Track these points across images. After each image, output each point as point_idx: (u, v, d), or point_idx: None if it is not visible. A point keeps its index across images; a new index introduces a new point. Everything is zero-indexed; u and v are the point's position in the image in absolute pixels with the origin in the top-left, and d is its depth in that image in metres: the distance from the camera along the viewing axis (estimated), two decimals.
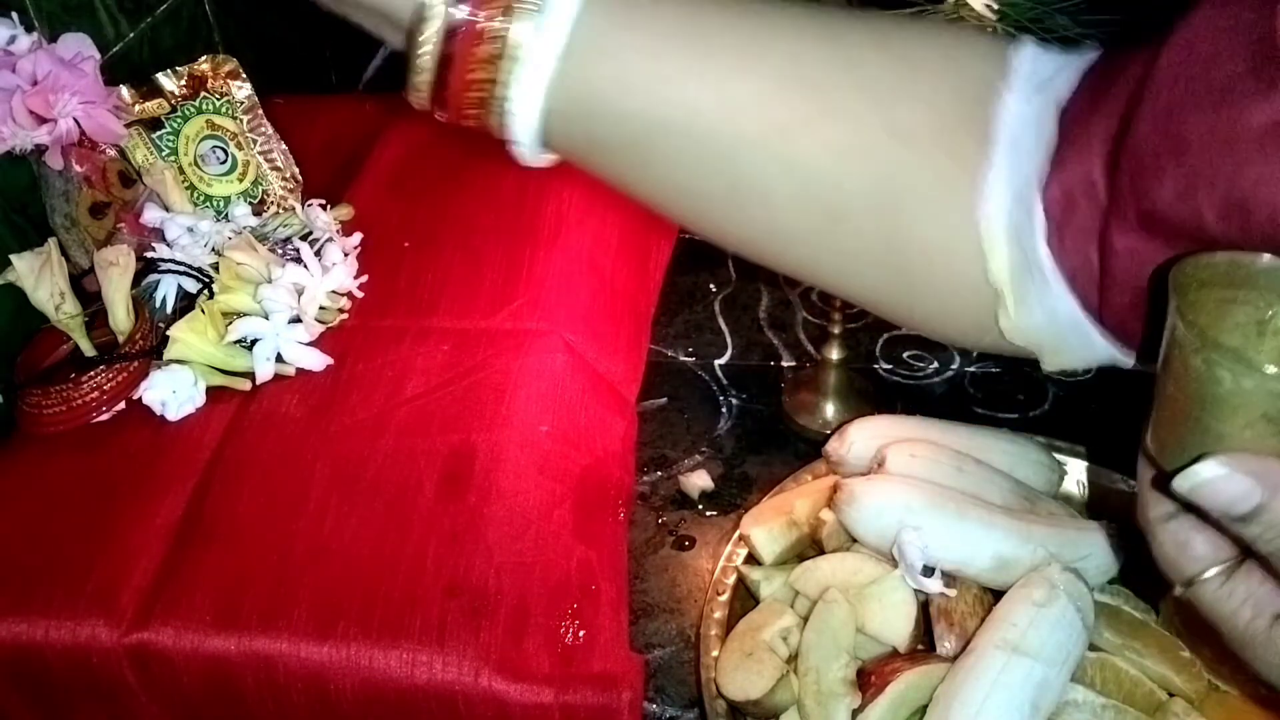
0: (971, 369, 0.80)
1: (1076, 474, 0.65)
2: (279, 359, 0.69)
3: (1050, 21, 0.68)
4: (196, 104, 0.80)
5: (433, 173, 0.88)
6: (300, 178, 0.84)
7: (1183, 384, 0.33)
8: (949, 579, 0.55)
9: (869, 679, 0.53)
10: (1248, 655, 0.36)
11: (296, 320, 0.71)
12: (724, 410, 0.78)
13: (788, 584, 0.59)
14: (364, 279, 0.77)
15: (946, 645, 0.54)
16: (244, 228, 0.78)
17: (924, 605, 0.56)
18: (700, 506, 0.71)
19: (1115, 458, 0.65)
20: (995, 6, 0.69)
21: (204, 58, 0.80)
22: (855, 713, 0.52)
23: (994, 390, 0.79)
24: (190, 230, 0.75)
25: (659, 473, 0.73)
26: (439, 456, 0.63)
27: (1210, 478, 0.33)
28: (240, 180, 0.82)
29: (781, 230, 0.43)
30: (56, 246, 0.70)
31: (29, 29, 0.69)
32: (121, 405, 0.67)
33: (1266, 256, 0.34)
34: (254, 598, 0.56)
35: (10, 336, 0.70)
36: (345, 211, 0.83)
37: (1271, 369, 0.31)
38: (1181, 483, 0.33)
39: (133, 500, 0.61)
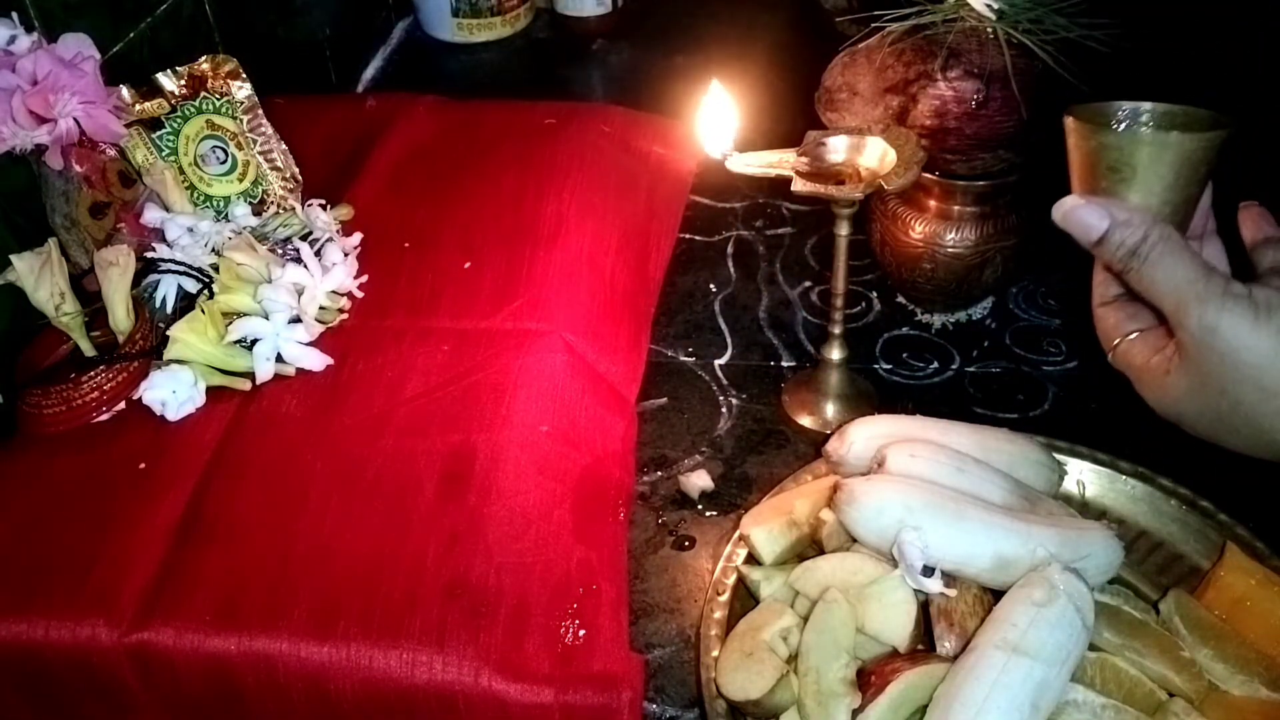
0: (971, 369, 0.80)
1: (1076, 474, 0.65)
2: (279, 359, 0.69)
3: (1050, 22, 0.68)
4: (196, 104, 0.80)
5: (433, 173, 0.88)
6: (300, 178, 0.84)
7: (1073, 168, 0.49)
8: (949, 579, 0.55)
9: (869, 679, 0.53)
10: (1145, 393, 0.49)
11: (296, 320, 0.71)
12: (724, 410, 0.78)
13: (788, 584, 0.59)
14: (364, 279, 0.77)
15: (946, 645, 0.54)
16: (244, 228, 0.78)
17: (924, 605, 0.56)
18: (700, 506, 0.71)
19: (1116, 457, 0.65)
20: (995, 6, 0.69)
21: (204, 58, 0.81)
22: (855, 713, 0.52)
23: (994, 390, 0.79)
24: (190, 230, 0.75)
25: (659, 473, 0.73)
26: (439, 456, 0.63)
27: (1071, 206, 0.47)
28: (240, 180, 0.82)
29: None
30: (56, 246, 0.70)
31: (29, 29, 0.69)
32: (121, 405, 0.68)
33: (1119, 102, 0.51)
34: (254, 597, 0.56)
35: (10, 336, 0.71)
36: (345, 211, 0.83)
37: (1107, 135, 0.48)
38: (1054, 212, 0.48)
39: (133, 500, 0.61)
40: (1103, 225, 0.46)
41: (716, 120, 0.67)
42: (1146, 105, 0.51)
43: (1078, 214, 0.47)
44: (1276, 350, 0.43)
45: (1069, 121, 0.49)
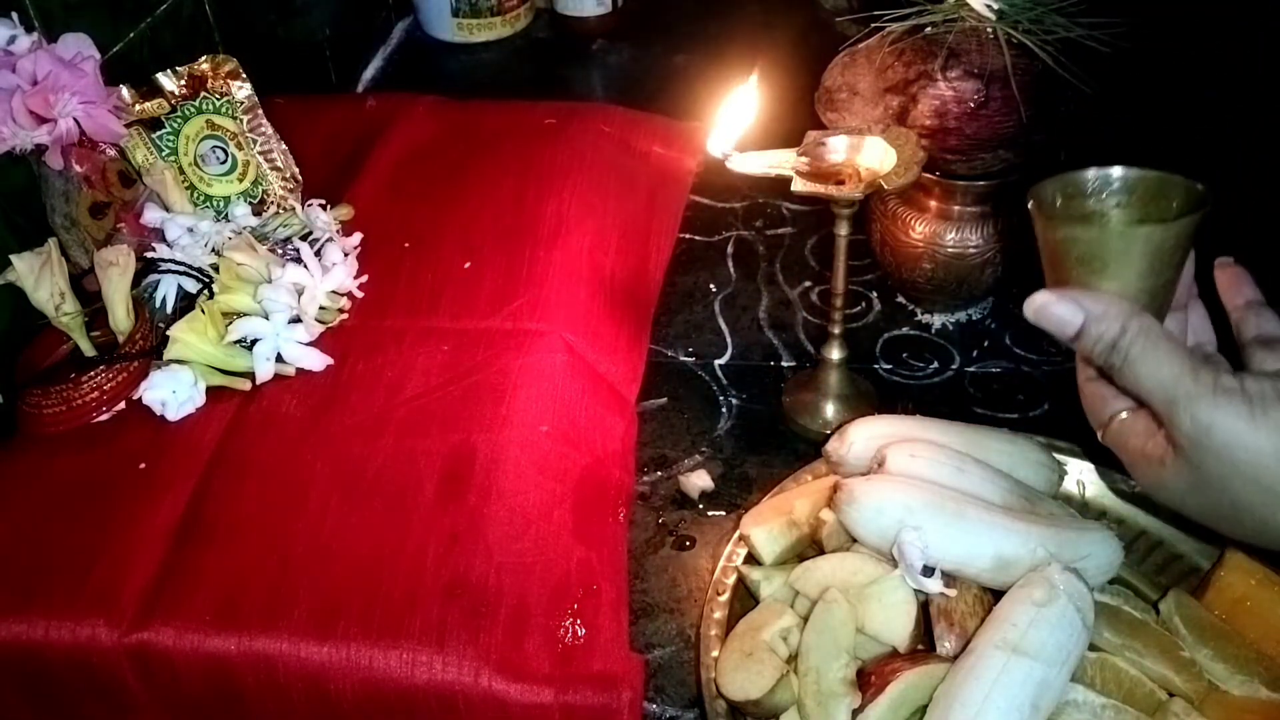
0: (971, 369, 0.80)
1: (1076, 474, 0.65)
2: (279, 359, 0.69)
3: (1050, 22, 0.68)
4: (196, 104, 0.80)
5: (433, 173, 0.88)
6: (300, 178, 0.84)
7: (1043, 257, 0.47)
8: (949, 579, 0.55)
9: (869, 679, 0.53)
10: (1140, 480, 0.47)
11: (296, 320, 0.71)
12: (724, 410, 0.78)
13: (788, 584, 0.59)
14: (364, 279, 0.77)
15: (946, 645, 0.54)
16: (244, 228, 0.78)
17: (924, 605, 0.56)
18: (700, 506, 0.71)
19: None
20: (995, 6, 0.69)
21: (204, 58, 0.81)
22: (855, 713, 0.52)
23: (994, 390, 0.79)
24: (190, 230, 0.75)
25: (659, 473, 0.73)
26: (439, 456, 0.63)
27: (1041, 303, 0.44)
28: (240, 180, 0.82)
29: None
30: (56, 246, 0.70)
31: (29, 29, 0.69)
32: (121, 405, 0.68)
33: (1085, 170, 0.47)
34: (254, 597, 0.56)
35: (10, 336, 0.71)
36: (345, 211, 0.83)
37: (1073, 227, 0.45)
38: (1025, 309, 0.45)
39: (133, 500, 0.61)
40: (1077, 320, 0.44)
41: (739, 116, 0.67)
42: (1116, 172, 0.48)
43: (1050, 310, 0.44)
44: (1276, 448, 0.41)
45: (1032, 209, 0.46)
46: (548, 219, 0.81)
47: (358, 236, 0.80)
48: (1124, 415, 0.47)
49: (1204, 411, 0.42)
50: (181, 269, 0.72)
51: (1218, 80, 0.81)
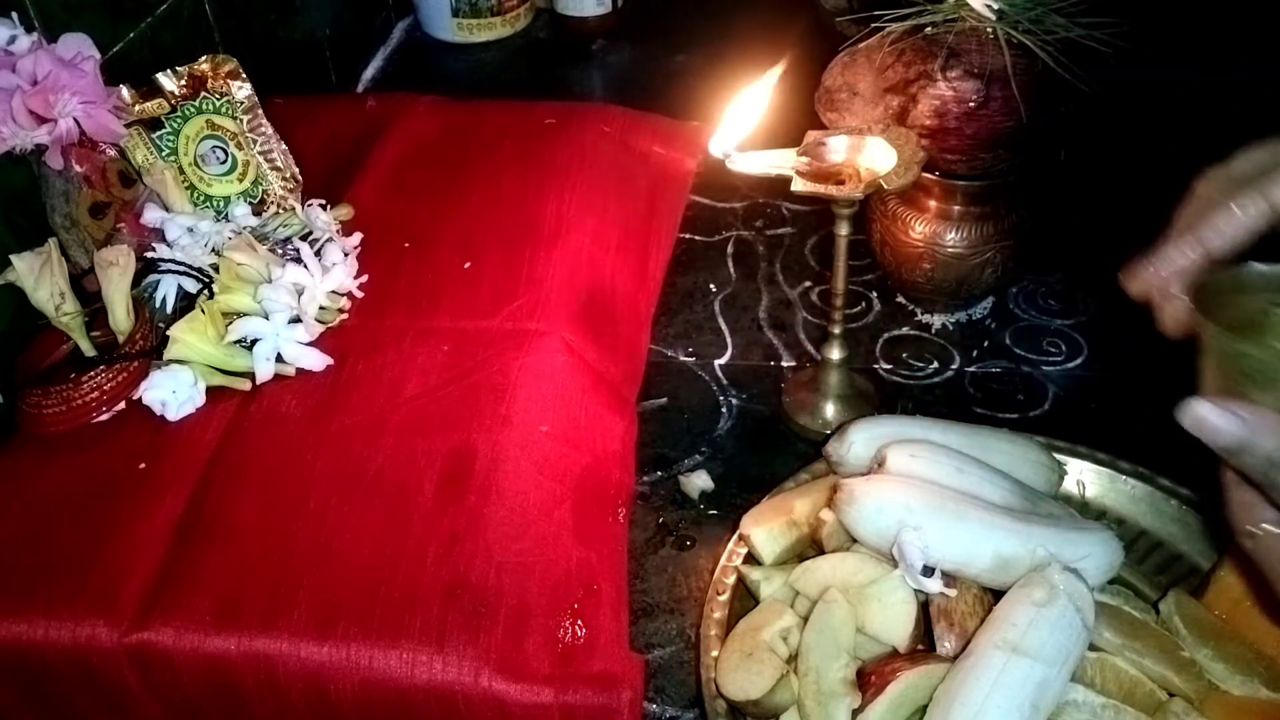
0: (971, 369, 0.80)
1: (1076, 474, 0.65)
2: (279, 359, 0.69)
3: (1050, 22, 0.68)
4: (196, 104, 0.80)
5: (433, 173, 0.88)
6: (300, 178, 0.84)
7: (1206, 361, 0.44)
8: (949, 579, 0.55)
9: (869, 679, 0.53)
10: None
11: (296, 320, 0.71)
12: (724, 410, 0.78)
13: (788, 584, 0.59)
14: (364, 279, 0.77)
15: (946, 645, 0.54)
16: (244, 228, 0.78)
17: (924, 605, 0.56)
18: (700, 506, 0.71)
19: (1115, 457, 0.65)
20: (995, 6, 0.69)
21: (204, 58, 0.80)
22: (855, 713, 0.52)
23: (994, 390, 0.79)
24: (190, 230, 0.75)
25: (659, 473, 0.73)
26: (439, 456, 0.63)
27: (1201, 415, 0.41)
28: (240, 180, 0.82)
29: None
30: (56, 246, 0.70)
31: (29, 29, 0.69)
32: (121, 405, 0.68)
33: (1251, 264, 0.45)
34: (254, 598, 0.56)
35: (10, 336, 0.71)
36: (345, 211, 0.83)
37: (1246, 344, 0.43)
38: (1182, 418, 0.42)
39: (133, 500, 0.61)
40: (1241, 435, 0.41)
41: (748, 116, 0.67)
42: None
43: (1211, 421, 0.42)
44: None
45: (1200, 317, 0.45)
46: (548, 219, 0.81)
47: (358, 236, 0.80)
48: (1273, 527, 0.44)
49: None
50: (181, 269, 0.72)
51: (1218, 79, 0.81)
